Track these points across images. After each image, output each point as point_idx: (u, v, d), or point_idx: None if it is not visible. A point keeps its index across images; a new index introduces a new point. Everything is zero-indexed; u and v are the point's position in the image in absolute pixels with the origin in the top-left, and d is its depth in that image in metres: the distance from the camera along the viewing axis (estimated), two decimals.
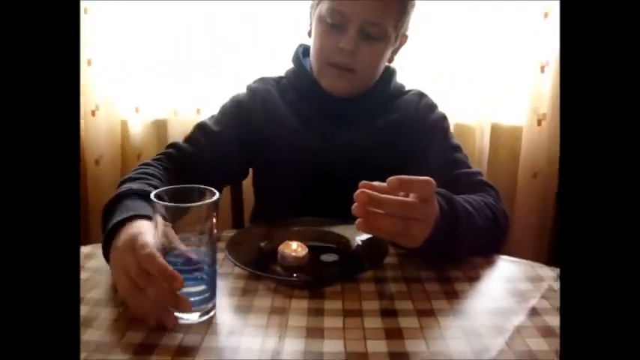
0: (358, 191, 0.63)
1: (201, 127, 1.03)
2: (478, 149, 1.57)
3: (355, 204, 0.63)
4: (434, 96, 1.13)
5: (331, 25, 0.95)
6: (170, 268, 0.57)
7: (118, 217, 0.68)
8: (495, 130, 1.59)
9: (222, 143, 1.01)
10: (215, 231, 0.63)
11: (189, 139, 1.01)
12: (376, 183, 0.65)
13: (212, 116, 1.07)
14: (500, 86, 1.56)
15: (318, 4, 0.98)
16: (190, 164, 0.96)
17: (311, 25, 1.03)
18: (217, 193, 0.63)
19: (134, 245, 0.60)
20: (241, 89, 1.12)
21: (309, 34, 1.04)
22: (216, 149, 1.00)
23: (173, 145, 0.99)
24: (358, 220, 0.64)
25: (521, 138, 1.57)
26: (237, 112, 1.05)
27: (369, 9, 0.93)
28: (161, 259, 0.58)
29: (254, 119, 1.03)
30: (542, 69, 1.51)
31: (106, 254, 0.69)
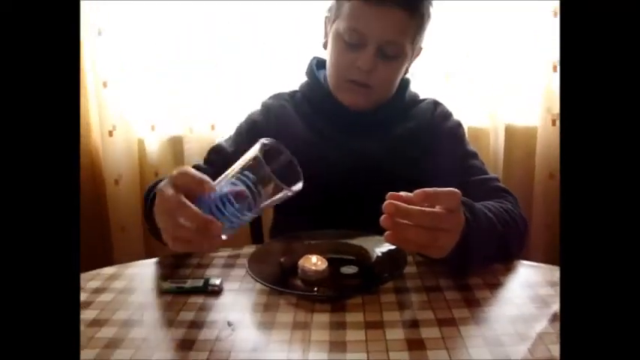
0: (386, 202, 0.64)
1: (216, 149, 1.06)
2: (492, 151, 1.57)
3: (383, 216, 0.63)
4: (445, 99, 1.14)
5: (349, 43, 0.96)
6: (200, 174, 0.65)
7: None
8: (509, 131, 1.59)
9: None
10: (267, 201, 0.67)
11: (207, 161, 1.04)
12: (403, 193, 0.66)
13: (229, 137, 1.09)
14: (513, 87, 1.56)
15: (334, 20, 0.99)
16: None
17: (326, 37, 1.04)
18: (299, 184, 0.69)
19: (172, 173, 0.68)
20: (255, 103, 1.14)
21: (324, 47, 1.05)
22: None
23: (195, 168, 1.01)
24: (386, 233, 0.64)
25: (536, 138, 1.56)
26: (252, 131, 1.07)
27: (387, 29, 0.94)
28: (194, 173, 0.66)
29: (268, 134, 1.04)
30: (555, 68, 1.50)
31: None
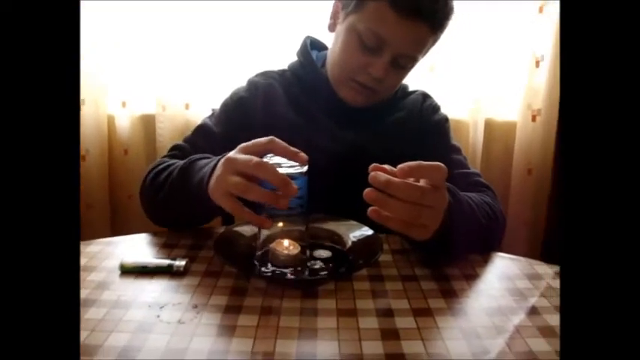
0: (371, 174, 0.62)
1: (202, 129, 1.01)
2: (472, 144, 1.55)
3: (367, 189, 0.61)
4: (428, 90, 1.13)
5: (364, 45, 0.91)
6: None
7: (205, 168, 0.75)
8: (489, 126, 1.57)
9: (224, 146, 0.99)
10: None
11: (190, 141, 0.99)
12: (387, 166, 0.63)
13: (212, 114, 1.04)
14: (495, 81, 1.54)
15: (352, 12, 0.92)
16: None
17: (334, 19, 0.99)
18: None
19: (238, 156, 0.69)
20: (230, 82, 1.09)
21: (330, 29, 1.00)
22: (218, 152, 0.98)
23: (177, 148, 0.97)
24: (370, 208, 0.62)
25: (515, 133, 1.55)
26: (238, 109, 1.02)
27: (409, 42, 0.91)
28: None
29: (255, 115, 1.00)
30: (537, 64, 1.49)
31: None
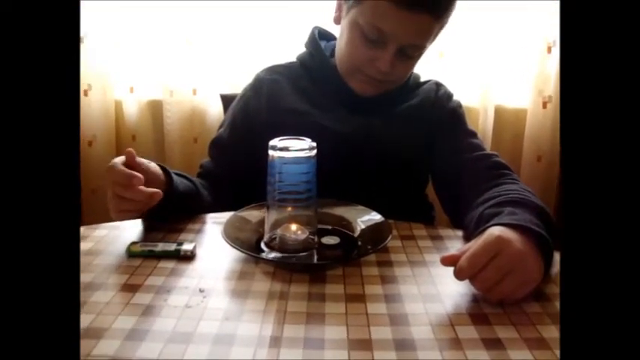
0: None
1: (216, 145, 1.05)
2: (481, 131, 1.53)
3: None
4: (438, 76, 1.12)
5: (368, 38, 0.90)
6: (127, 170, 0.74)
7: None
8: (499, 112, 1.56)
9: (240, 156, 1.02)
10: None
11: (210, 156, 1.04)
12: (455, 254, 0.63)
13: (223, 122, 1.07)
14: (505, 67, 1.52)
15: (352, 5, 0.91)
16: (221, 181, 1.00)
17: (338, 12, 0.98)
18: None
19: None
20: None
21: (336, 21, 0.99)
22: (237, 163, 1.01)
23: (201, 166, 1.03)
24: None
25: (525, 120, 1.53)
26: (244, 112, 1.04)
27: (413, 33, 0.88)
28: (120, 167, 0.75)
29: (260, 116, 1.01)
30: (549, 50, 1.46)
31: None
